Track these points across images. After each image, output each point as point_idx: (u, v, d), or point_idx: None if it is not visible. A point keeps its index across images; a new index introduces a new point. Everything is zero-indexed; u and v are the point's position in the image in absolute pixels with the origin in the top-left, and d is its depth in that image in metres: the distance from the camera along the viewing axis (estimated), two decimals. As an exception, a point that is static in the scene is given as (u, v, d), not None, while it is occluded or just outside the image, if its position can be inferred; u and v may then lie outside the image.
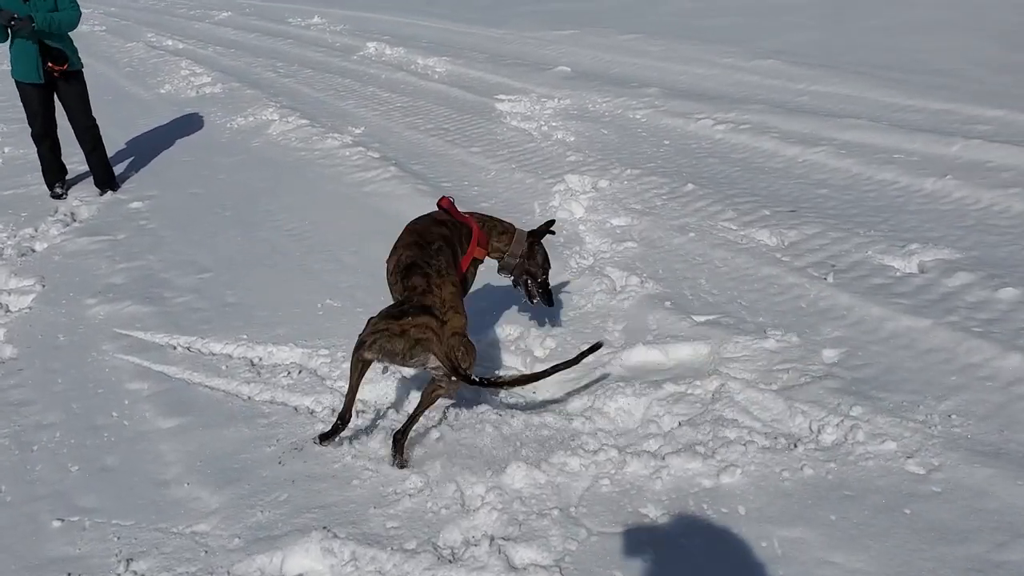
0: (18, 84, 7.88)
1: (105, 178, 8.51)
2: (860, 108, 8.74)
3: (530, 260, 4.28)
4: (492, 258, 4.23)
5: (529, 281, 4.35)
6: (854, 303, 4.79)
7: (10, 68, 7.85)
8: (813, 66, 10.40)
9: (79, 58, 7.99)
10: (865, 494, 3.30)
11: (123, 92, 13.60)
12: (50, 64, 7.60)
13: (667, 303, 5.02)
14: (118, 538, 3.51)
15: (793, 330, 4.58)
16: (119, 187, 8.60)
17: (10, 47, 7.69)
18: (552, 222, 4.40)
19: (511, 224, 4.31)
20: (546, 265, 4.36)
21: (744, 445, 3.63)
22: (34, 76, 7.70)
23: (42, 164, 8.35)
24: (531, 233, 4.29)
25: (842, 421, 3.72)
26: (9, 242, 7.20)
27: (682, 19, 14.76)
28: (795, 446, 3.64)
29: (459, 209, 4.15)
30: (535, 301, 4.42)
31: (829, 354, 4.33)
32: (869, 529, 3.13)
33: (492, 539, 3.26)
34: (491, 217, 4.29)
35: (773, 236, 5.79)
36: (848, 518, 3.19)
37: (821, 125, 8.16)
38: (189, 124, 11.09)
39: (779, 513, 3.26)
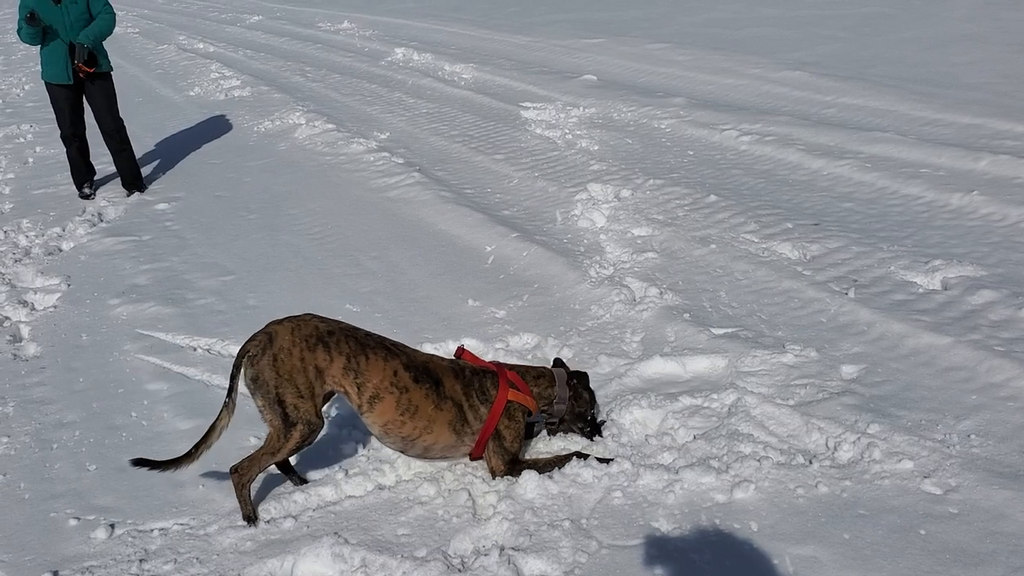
0: (48, 85, 8.02)
1: (132, 179, 8.61)
2: (887, 121, 8.67)
3: (577, 402, 3.90)
4: (538, 408, 3.86)
5: (579, 423, 3.96)
6: (875, 319, 4.74)
7: (41, 70, 7.98)
8: (841, 78, 10.34)
9: (108, 60, 8.11)
10: (880, 513, 3.27)
11: (153, 94, 13.76)
12: (79, 64, 7.71)
13: (686, 315, 5.00)
14: (133, 538, 3.54)
15: (812, 345, 4.54)
16: (146, 188, 8.71)
17: (41, 49, 7.83)
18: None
19: (542, 367, 4.00)
20: (594, 401, 3.99)
21: (759, 460, 3.60)
22: (63, 77, 7.84)
23: (71, 165, 8.48)
24: (572, 375, 3.94)
25: (859, 438, 3.68)
26: (37, 241, 7.31)
27: (711, 30, 14.72)
28: (810, 463, 3.60)
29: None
30: (589, 435, 4.00)
31: (848, 370, 4.29)
32: (883, 549, 3.09)
33: (502, 549, 3.26)
34: (517, 364, 3.98)
35: (795, 249, 5.74)
36: (862, 537, 3.16)
37: (847, 138, 8.09)
38: (217, 127, 11.20)
39: (792, 530, 3.23)
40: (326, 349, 3.47)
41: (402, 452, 3.68)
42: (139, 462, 3.56)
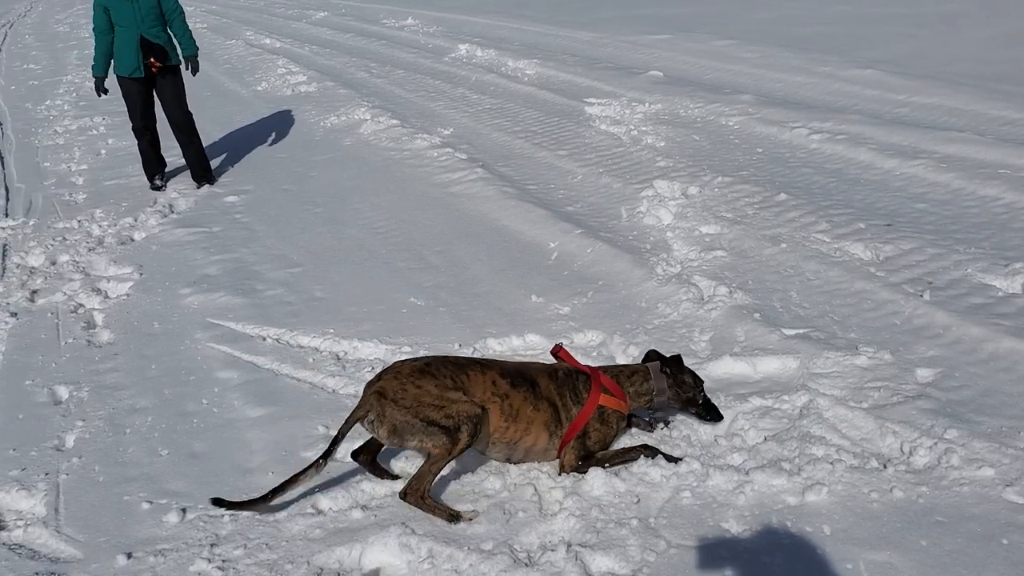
0: (119, 79, 8.23)
1: (202, 172, 8.76)
2: (963, 121, 8.44)
3: (681, 388, 3.90)
4: (641, 405, 3.90)
5: (691, 408, 3.97)
6: (952, 322, 4.61)
7: (112, 65, 8.18)
8: (915, 76, 10.08)
9: (177, 54, 8.33)
10: (959, 521, 3.17)
11: (222, 89, 13.99)
12: (152, 59, 7.94)
13: (756, 315, 4.91)
14: (204, 523, 3.59)
15: (886, 347, 4.43)
16: (216, 180, 8.85)
17: (112, 44, 8.03)
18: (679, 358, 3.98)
19: (637, 364, 4.02)
20: (699, 383, 3.95)
21: (832, 463, 3.52)
22: (135, 71, 8.03)
23: (142, 157, 8.67)
24: (665, 362, 3.93)
25: (936, 444, 3.58)
26: (110, 231, 7.47)
27: (780, 26, 14.49)
28: (885, 467, 3.52)
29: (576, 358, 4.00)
30: (708, 419, 3.98)
31: (923, 374, 4.18)
32: (962, 558, 3.00)
33: (569, 545, 3.23)
34: (611, 366, 4.00)
35: (868, 250, 5.61)
36: (940, 545, 3.07)
37: (921, 137, 7.89)
38: (284, 121, 11.34)
39: (866, 535, 3.15)
40: (432, 377, 3.51)
41: (507, 460, 3.71)
42: (217, 502, 3.54)
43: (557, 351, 3.89)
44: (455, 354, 3.76)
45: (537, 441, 3.66)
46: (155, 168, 8.75)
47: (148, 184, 8.74)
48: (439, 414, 3.41)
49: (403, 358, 3.74)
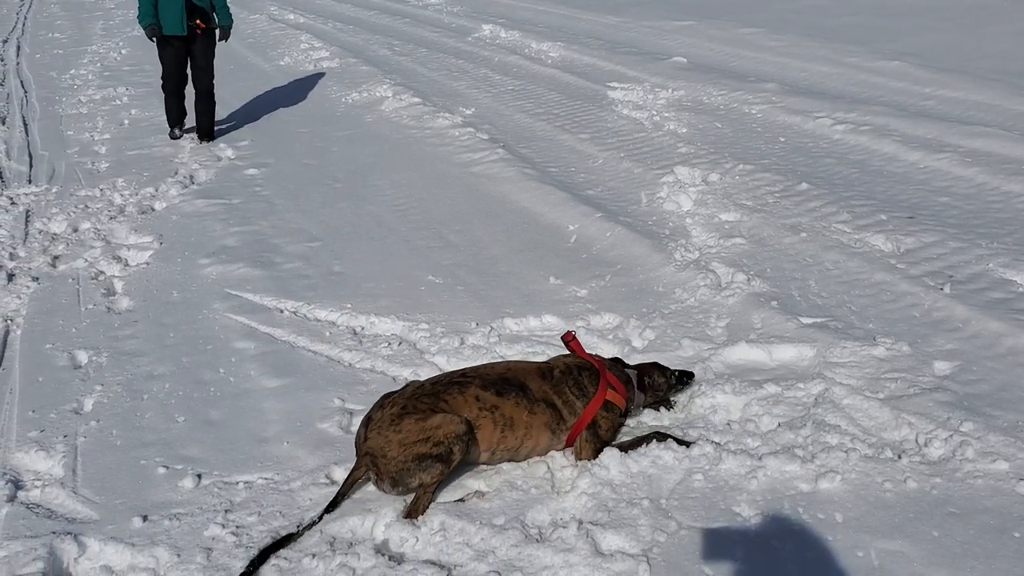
0: (159, 40, 8.59)
1: (206, 132, 9.30)
2: (990, 116, 8.36)
3: (656, 390, 4.00)
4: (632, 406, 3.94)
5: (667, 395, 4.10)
6: (971, 316, 4.59)
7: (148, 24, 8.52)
8: (942, 70, 9.99)
9: (214, 17, 8.88)
10: (972, 513, 3.17)
11: (245, 62, 14.00)
12: (198, 20, 8.55)
13: (773, 303, 4.90)
14: (219, 489, 3.63)
15: (904, 339, 4.42)
16: (215, 138, 9.40)
17: (156, 5, 8.41)
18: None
19: (630, 369, 4.01)
20: (668, 375, 4.06)
21: (846, 452, 3.52)
22: (179, 29, 8.53)
23: (166, 105, 9.22)
24: (645, 372, 4.02)
25: (951, 436, 3.57)
26: (131, 200, 7.51)
27: (806, 16, 14.36)
28: (899, 457, 3.51)
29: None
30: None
31: (941, 366, 4.16)
32: (974, 549, 3.00)
33: (580, 523, 3.25)
34: (612, 363, 3.98)
35: (889, 242, 5.58)
36: (952, 536, 3.07)
37: (946, 131, 7.82)
38: (306, 96, 11.35)
39: (879, 524, 3.15)
40: (411, 415, 3.42)
41: (510, 460, 3.66)
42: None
43: (568, 340, 3.86)
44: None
45: (539, 442, 3.63)
46: (177, 118, 9.25)
47: (168, 133, 9.22)
48: (427, 446, 3.33)
49: (390, 391, 3.71)
